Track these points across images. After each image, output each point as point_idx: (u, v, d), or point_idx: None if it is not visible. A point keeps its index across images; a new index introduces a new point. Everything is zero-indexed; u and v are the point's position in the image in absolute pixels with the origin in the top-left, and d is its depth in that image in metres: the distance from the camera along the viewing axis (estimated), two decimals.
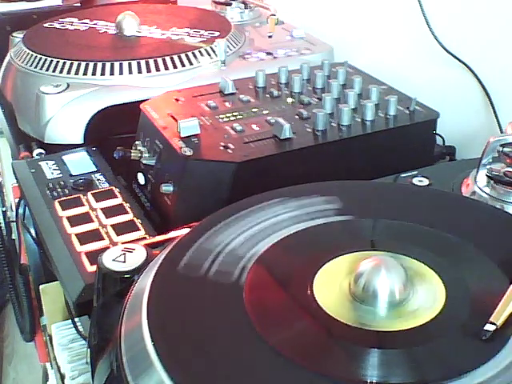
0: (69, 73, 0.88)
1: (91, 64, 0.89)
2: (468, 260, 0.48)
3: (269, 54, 0.98)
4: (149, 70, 0.89)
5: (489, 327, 0.40)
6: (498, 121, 0.82)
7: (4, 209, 1.19)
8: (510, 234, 0.50)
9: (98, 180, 0.75)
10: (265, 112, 0.77)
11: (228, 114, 0.76)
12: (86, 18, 1.08)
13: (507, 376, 0.38)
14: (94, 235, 0.66)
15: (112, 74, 0.88)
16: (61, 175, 0.77)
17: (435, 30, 0.88)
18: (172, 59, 0.90)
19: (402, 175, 0.67)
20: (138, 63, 0.89)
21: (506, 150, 0.61)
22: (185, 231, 0.53)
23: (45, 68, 0.90)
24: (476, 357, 0.39)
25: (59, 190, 0.74)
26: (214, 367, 0.39)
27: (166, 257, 0.48)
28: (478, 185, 0.63)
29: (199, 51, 0.93)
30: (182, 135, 0.70)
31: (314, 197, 0.55)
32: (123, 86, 0.87)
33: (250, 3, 1.19)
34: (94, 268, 0.58)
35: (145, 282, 0.46)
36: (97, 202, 0.71)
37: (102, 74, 0.88)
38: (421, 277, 0.46)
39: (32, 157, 0.84)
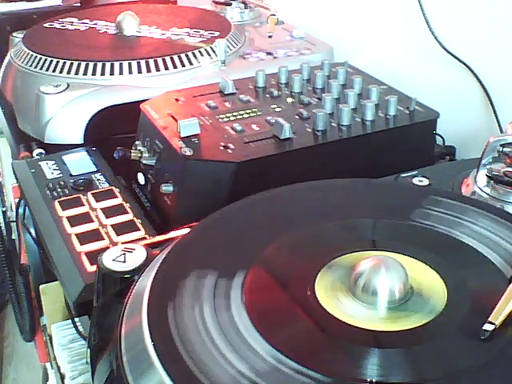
0: (69, 73, 0.88)
1: (91, 64, 0.89)
2: (468, 260, 0.48)
3: (269, 54, 0.98)
4: (149, 70, 0.89)
5: (488, 327, 0.40)
6: (498, 121, 0.82)
7: (4, 209, 1.19)
8: (510, 234, 0.50)
9: (98, 180, 0.75)
10: (265, 112, 0.77)
11: (228, 114, 0.76)
12: (86, 18, 1.08)
13: (507, 376, 0.38)
14: (94, 235, 0.66)
15: (112, 74, 0.88)
16: (61, 175, 0.77)
17: (435, 30, 0.88)
18: (172, 59, 0.90)
19: (402, 175, 0.67)
20: (138, 63, 0.89)
21: (506, 150, 0.61)
22: (185, 231, 0.53)
23: (45, 68, 0.90)
24: (476, 356, 0.39)
25: (59, 190, 0.74)
26: (213, 367, 0.39)
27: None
28: (478, 185, 0.63)
29: (199, 51, 0.93)
30: (182, 135, 0.70)
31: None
32: (123, 86, 0.87)
33: (250, 3, 1.19)
34: (94, 268, 0.58)
35: (145, 282, 0.46)
36: (97, 202, 0.71)
37: (102, 73, 0.88)
38: (421, 277, 0.46)
39: (32, 157, 0.84)
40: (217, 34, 0.99)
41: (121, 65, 0.89)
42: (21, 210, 0.82)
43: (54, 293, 0.80)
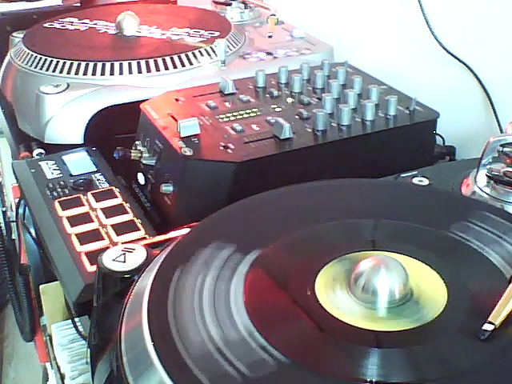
0: (69, 73, 0.88)
1: (91, 64, 0.89)
2: (468, 260, 0.48)
3: (269, 53, 0.98)
4: (149, 70, 0.89)
5: (487, 327, 0.40)
6: (498, 121, 0.82)
7: (4, 209, 1.19)
8: (510, 234, 0.50)
9: (98, 180, 0.76)
10: (265, 112, 0.77)
11: (228, 114, 0.76)
12: (86, 18, 1.08)
13: (507, 376, 0.38)
14: (94, 235, 0.66)
15: (112, 74, 0.88)
16: (61, 175, 0.77)
17: (435, 30, 0.88)
18: (172, 59, 0.90)
19: (402, 175, 0.67)
20: (138, 63, 0.89)
21: (506, 150, 0.61)
22: (185, 231, 0.53)
23: (45, 68, 0.90)
24: (476, 356, 0.39)
25: (59, 190, 0.74)
26: (213, 367, 0.39)
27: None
28: (478, 185, 0.63)
29: (199, 51, 0.93)
30: (182, 135, 0.70)
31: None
32: (123, 86, 0.87)
33: (250, 3, 1.19)
34: (94, 268, 0.58)
35: (145, 282, 0.46)
36: (97, 202, 0.71)
37: (102, 74, 0.88)
38: (421, 277, 0.46)
39: (32, 157, 0.84)
40: (217, 33, 0.99)
41: (121, 65, 0.89)
42: (21, 210, 0.82)
43: (54, 293, 0.80)
